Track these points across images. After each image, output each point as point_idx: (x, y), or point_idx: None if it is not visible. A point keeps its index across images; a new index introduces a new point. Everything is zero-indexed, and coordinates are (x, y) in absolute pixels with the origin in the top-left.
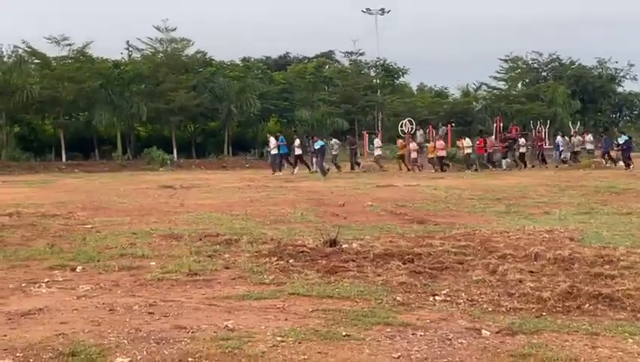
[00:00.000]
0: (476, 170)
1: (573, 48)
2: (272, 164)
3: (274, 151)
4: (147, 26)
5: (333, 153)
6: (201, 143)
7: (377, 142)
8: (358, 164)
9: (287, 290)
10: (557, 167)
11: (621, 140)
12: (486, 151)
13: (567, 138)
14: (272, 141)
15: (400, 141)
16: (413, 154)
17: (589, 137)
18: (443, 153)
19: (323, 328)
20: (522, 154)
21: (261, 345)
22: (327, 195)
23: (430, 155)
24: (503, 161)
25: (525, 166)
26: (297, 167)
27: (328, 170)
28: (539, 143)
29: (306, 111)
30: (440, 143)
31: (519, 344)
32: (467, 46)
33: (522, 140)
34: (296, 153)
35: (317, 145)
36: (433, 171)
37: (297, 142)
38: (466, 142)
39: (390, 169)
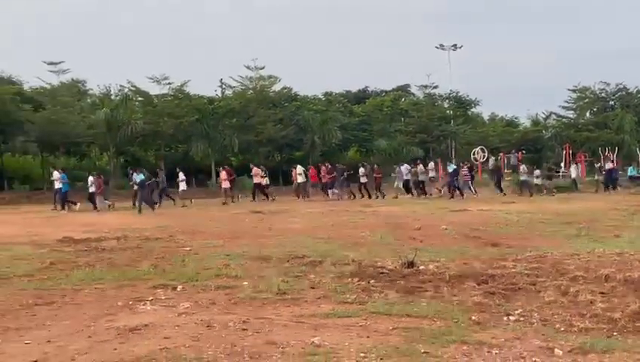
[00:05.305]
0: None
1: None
2: (55, 199)
3: (57, 185)
4: (238, 65)
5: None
6: (287, 171)
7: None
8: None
9: (369, 309)
10: (396, 197)
11: (450, 168)
12: (320, 180)
13: (407, 166)
14: (55, 174)
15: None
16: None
17: (431, 165)
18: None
19: (403, 345)
20: (363, 184)
21: (346, 361)
22: (404, 219)
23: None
24: (329, 191)
25: (370, 196)
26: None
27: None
28: (377, 175)
29: (384, 140)
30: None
31: None
32: (534, 78)
33: (362, 170)
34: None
35: (137, 179)
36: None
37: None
38: (298, 170)
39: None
